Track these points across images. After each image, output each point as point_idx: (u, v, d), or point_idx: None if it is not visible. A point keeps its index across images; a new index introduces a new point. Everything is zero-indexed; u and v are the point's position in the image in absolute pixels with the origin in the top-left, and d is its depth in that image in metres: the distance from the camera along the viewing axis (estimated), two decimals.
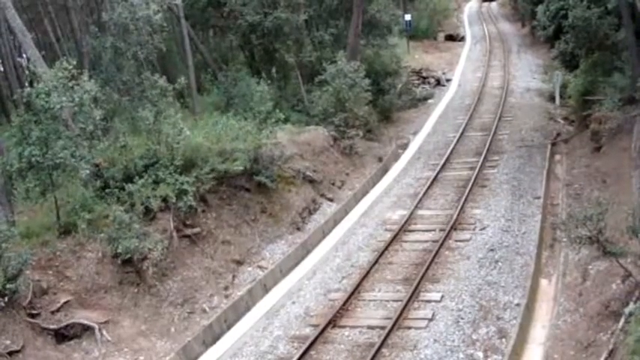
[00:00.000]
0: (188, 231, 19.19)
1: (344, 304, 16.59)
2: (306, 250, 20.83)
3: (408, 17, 53.05)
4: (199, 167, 19.95)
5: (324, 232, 22.20)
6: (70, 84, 17.16)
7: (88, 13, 34.15)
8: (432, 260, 18.43)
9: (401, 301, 16.34)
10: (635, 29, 24.60)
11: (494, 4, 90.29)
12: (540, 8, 34.21)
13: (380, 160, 29.53)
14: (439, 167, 27.01)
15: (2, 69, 32.07)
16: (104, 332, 15.46)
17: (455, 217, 21.33)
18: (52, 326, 15.09)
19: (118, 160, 19.46)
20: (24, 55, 27.70)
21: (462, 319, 15.60)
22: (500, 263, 18.28)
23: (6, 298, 14.42)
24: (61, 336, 15.14)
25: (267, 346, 15.50)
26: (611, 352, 12.73)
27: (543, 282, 17.73)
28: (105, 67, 23.77)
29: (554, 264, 18.46)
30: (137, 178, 18.65)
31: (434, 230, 20.88)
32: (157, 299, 17.03)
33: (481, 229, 20.65)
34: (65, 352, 14.88)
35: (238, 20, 31.10)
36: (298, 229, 22.51)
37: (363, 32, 36.14)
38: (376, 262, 18.89)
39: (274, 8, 31.13)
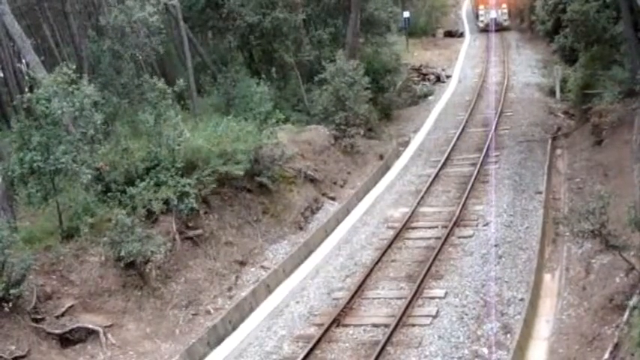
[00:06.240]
0: (190, 233, 19.20)
1: (348, 302, 16.59)
2: (308, 249, 20.82)
3: (406, 14, 53.06)
4: (200, 169, 19.93)
5: (326, 231, 22.20)
6: (70, 89, 17.17)
7: (86, 18, 34.11)
8: (435, 257, 18.43)
9: (405, 298, 16.34)
10: (634, 22, 24.55)
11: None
12: (539, 3, 34.20)
13: (381, 158, 29.51)
14: (440, 164, 27.00)
15: (2, 75, 32.07)
16: (109, 336, 15.47)
17: (457, 213, 21.32)
18: (56, 331, 15.10)
19: (119, 164, 19.46)
20: (23, 61, 27.71)
21: (466, 315, 15.60)
22: (503, 259, 18.28)
23: (10, 304, 14.44)
24: (66, 340, 15.15)
25: (272, 346, 15.51)
26: (616, 346, 12.72)
27: (547, 277, 17.74)
28: (104, 70, 23.81)
29: (558, 258, 18.45)
30: (138, 181, 18.66)
31: (436, 227, 20.87)
32: (160, 302, 17.04)
33: (484, 225, 20.64)
34: (70, 356, 14.90)
35: (237, 21, 31.08)
36: (301, 228, 22.50)
37: (362, 30, 36.15)
38: (379, 260, 18.89)
39: (272, 9, 31.11)
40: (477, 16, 64.89)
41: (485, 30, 60.47)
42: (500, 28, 60.03)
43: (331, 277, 18.71)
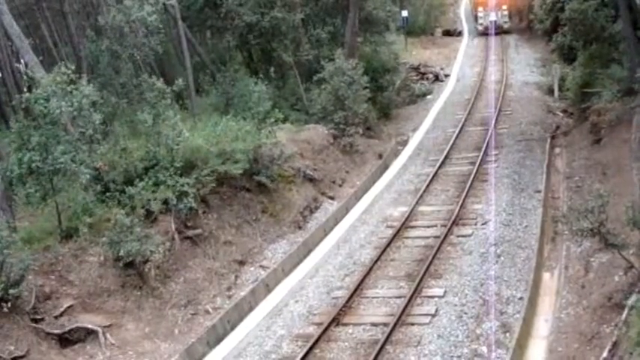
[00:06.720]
0: (189, 232, 19.20)
1: (347, 301, 16.60)
2: (307, 248, 20.83)
3: (404, 13, 52.97)
4: (199, 169, 19.94)
5: (325, 230, 22.20)
6: (69, 88, 17.17)
7: (84, 18, 34.10)
8: (434, 256, 18.44)
9: (404, 297, 16.35)
10: (632, 20, 24.55)
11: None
12: (537, 2, 34.20)
13: (380, 157, 29.53)
14: (439, 163, 27.01)
15: (0, 75, 32.06)
16: (108, 336, 15.48)
17: (456, 212, 21.32)
18: (55, 331, 15.11)
19: (118, 164, 19.45)
20: (22, 61, 27.70)
21: (466, 314, 15.61)
22: (502, 257, 18.28)
23: (9, 304, 14.45)
24: (65, 340, 15.16)
25: (271, 345, 15.51)
26: (614, 344, 12.73)
27: (546, 275, 17.74)
28: (102, 70, 23.80)
29: (557, 257, 18.46)
30: (137, 180, 18.66)
31: (435, 226, 20.88)
32: (160, 301, 17.05)
33: (482, 224, 20.65)
34: (69, 356, 14.91)
35: (235, 21, 31.06)
36: (300, 227, 22.51)
37: (361, 29, 36.15)
38: (378, 259, 18.90)
39: (271, 8, 31.12)
40: (475, 19, 62.18)
41: (484, 33, 57.59)
42: (500, 32, 56.94)
43: (330, 277, 18.71)
